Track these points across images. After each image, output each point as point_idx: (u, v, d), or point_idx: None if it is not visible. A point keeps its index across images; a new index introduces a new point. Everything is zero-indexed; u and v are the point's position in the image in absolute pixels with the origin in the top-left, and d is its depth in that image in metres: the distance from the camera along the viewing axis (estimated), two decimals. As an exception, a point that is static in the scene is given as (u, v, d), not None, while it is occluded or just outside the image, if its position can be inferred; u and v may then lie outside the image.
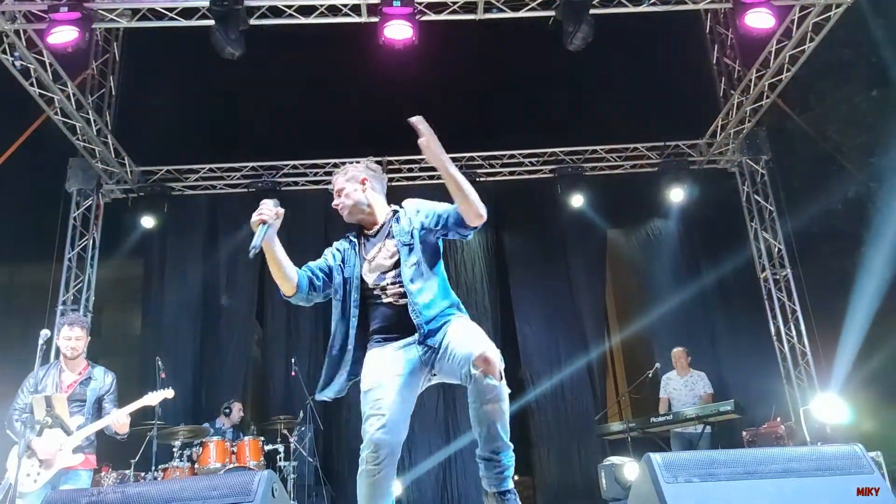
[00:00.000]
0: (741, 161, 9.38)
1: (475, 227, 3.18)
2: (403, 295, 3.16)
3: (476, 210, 3.12)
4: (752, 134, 9.05)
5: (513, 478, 3.09)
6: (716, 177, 9.65)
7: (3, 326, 9.06)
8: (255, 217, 3.13)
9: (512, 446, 3.07)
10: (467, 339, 3.04)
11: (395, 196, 10.08)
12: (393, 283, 3.23)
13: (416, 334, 3.12)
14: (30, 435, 4.38)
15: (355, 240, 3.50)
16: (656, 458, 2.58)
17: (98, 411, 4.76)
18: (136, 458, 6.70)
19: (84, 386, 4.75)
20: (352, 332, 3.24)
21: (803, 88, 9.38)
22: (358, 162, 3.56)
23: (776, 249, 9.00)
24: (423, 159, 9.43)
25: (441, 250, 3.31)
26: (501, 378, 3.02)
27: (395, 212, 3.41)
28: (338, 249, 3.51)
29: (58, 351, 4.95)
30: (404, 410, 3.15)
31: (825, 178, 9.69)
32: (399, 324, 3.18)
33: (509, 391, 3.08)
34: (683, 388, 7.88)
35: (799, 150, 9.87)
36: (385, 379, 3.09)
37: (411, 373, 3.17)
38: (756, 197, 9.23)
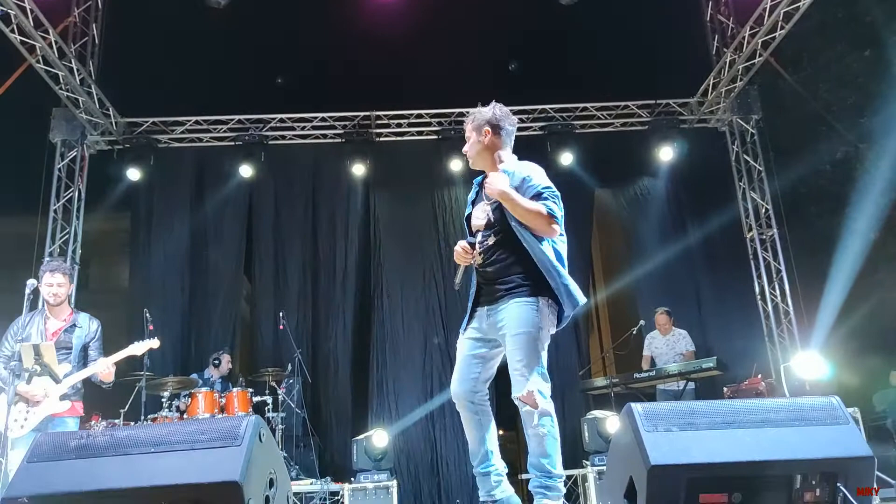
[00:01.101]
0: (731, 120, 9.37)
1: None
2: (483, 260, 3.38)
3: (544, 231, 3.21)
4: (743, 93, 9.04)
5: None
6: (706, 136, 9.64)
7: (-11, 278, 9.00)
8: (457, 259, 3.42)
9: (559, 474, 3.12)
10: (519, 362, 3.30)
11: (383, 151, 10.01)
12: (481, 244, 3.39)
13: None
14: (17, 382, 4.40)
15: (478, 186, 3.56)
16: (637, 407, 2.64)
17: (84, 359, 4.77)
18: (126, 407, 6.77)
19: (69, 333, 4.74)
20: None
21: (796, 47, 9.35)
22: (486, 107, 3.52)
23: (763, 209, 9.05)
24: (412, 114, 9.44)
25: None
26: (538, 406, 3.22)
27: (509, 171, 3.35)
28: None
29: (38, 300, 4.94)
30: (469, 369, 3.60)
31: (814, 139, 9.72)
32: (478, 288, 3.52)
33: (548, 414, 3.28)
34: (665, 346, 8.04)
35: (789, 110, 9.86)
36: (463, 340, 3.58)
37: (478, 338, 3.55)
38: (745, 157, 9.25)
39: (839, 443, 2.50)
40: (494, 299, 3.38)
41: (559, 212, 3.18)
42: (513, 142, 3.55)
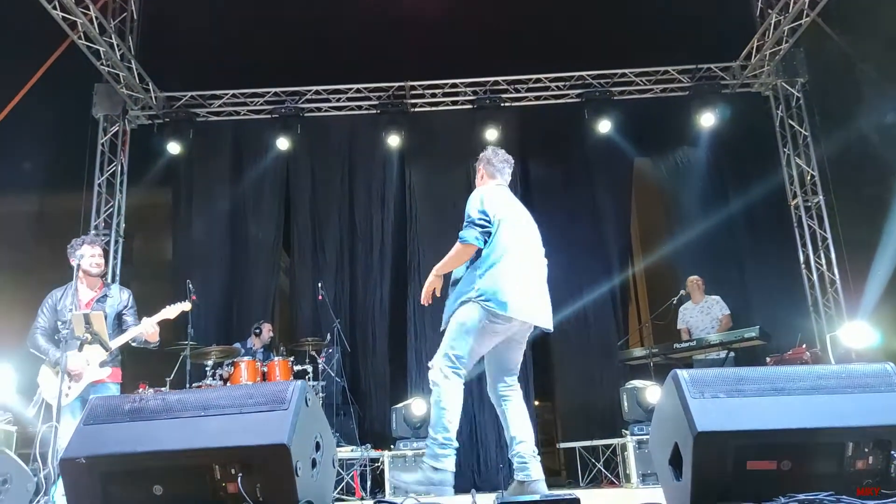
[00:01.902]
0: (776, 84, 9.12)
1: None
2: None
3: (463, 261, 4.02)
4: (788, 55, 8.76)
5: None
6: (749, 101, 9.39)
7: (38, 253, 9.25)
8: None
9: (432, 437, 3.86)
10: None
11: (418, 121, 9.96)
12: None
13: None
14: (55, 352, 4.58)
15: None
16: (683, 374, 2.61)
17: (118, 327, 4.94)
18: (171, 376, 6.95)
19: (101, 303, 4.91)
20: None
21: (844, 7, 9.00)
22: None
23: (808, 176, 8.83)
24: (446, 83, 9.34)
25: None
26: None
27: None
28: None
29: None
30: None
31: (863, 102, 9.39)
32: None
33: None
34: (700, 314, 7.96)
35: (837, 73, 9.53)
36: None
37: None
38: (790, 122, 9.01)
39: (893, 410, 2.44)
40: None
41: (467, 233, 3.89)
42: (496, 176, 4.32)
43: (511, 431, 3.90)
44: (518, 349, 4.05)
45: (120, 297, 5.00)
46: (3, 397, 7.10)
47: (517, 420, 3.94)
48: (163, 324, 5.02)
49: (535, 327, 3.96)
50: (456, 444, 3.80)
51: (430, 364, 3.89)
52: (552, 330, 4.06)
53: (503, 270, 3.81)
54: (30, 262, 9.03)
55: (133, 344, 4.93)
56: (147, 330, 4.81)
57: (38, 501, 4.05)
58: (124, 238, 9.03)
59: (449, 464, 3.73)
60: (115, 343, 4.78)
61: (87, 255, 4.84)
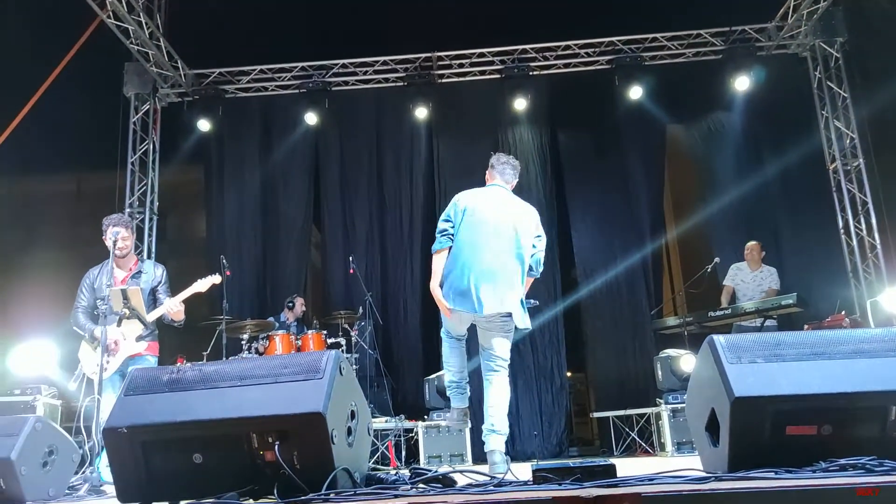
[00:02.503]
0: (814, 44, 8.85)
1: None
2: None
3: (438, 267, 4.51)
4: (827, 14, 8.48)
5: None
6: (785, 63, 9.14)
7: (76, 231, 9.44)
8: None
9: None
10: None
11: (446, 93, 9.87)
12: None
13: None
14: (91, 326, 4.74)
15: None
16: (719, 339, 2.57)
17: (153, 302, 5.01)
18: (208, 350, 7.07)
19: (136, 279, 4.99)
20: None
21: (885, -38, 8.68)
22: None
23: (848, 139, 8.60)
24: (473, 53, 9.24)
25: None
26: None
27: None
28: None
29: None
30: None
31: (904, 62, 9.09)
32: None
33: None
34: (752, 282, 7.77)
35: (877, 32, 9.22)
36: None
37: None
38: (829, 83, 8.76)
39: (937, 373, 2.38)
40: None
41: (437, 242, 4.45)
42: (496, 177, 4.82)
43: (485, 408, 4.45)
44: (488, 335, 4.44)
45: (154, 273, 5.07)
46: (46, 372, 7.31)
47: (489, 400, 4.44)
48: (198, 298, 5.09)
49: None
50: (458, 385, 4.68)
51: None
52: (509, 316, 4.36)
53: (453, 265, 4.36)
54: (69, 240, 9.23)
55: (163, 321, 5.02)
56: (171, 308, 4.89)
57: (84, 472, 4.18)
58: (158, 216, 9.15)
59: (456, 401, 4.70)
60: (147, 319, 4.86)
61: (108, 238, 4.93)
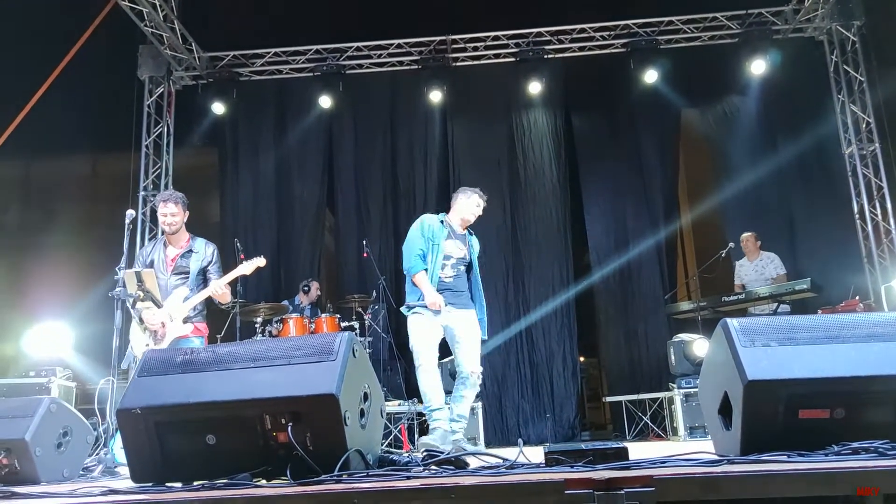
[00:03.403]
0: (830, 28, 8.73)
1: None
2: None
3: None
4: (844, -3, 8.37)
5: None
6: (801, 46, 9.03)
7: (92, 213, 9.49)
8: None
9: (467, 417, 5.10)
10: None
11: (460, 76, 9.82)
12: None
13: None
14: (140, 308, 4.70)
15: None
16: (733, 322, 2.56)
17: (203, 282, 4.98)
18: (222, 333, 7.11)
19: (186, 258, 4.96)
20: None
21: (905, -56, 8.53)
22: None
23: (864, 123, 8.49)
24: (488, 36, 9.18)
25: None
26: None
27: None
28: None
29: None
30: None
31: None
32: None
33: None
34: (753, 272, 7.80)
35: (895, 15, 9.08)
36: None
37: None
38: (845, 67, 8.64)
39: (952, 357, 2.37)
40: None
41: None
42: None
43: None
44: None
45: (205, 251, 5.02)
46: (61, 354, 7.39)
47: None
48: (233, 282, 5.09)
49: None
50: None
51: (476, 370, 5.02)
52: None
53: None
54: (84, 222, 9.27)
55: (214, 303, 4.99)
56: (216, 291, 4.86)
57: (98, 453, 4.22)
58: (173, 199, 9.17)
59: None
60: (191, 302, 4.84)
61: (159, 214, 4.95)
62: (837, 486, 1.84)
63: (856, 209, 8.51)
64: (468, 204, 5.12)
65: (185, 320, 4.82)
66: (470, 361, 4.94)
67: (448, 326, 4.97)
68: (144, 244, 5.01)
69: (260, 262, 5.23)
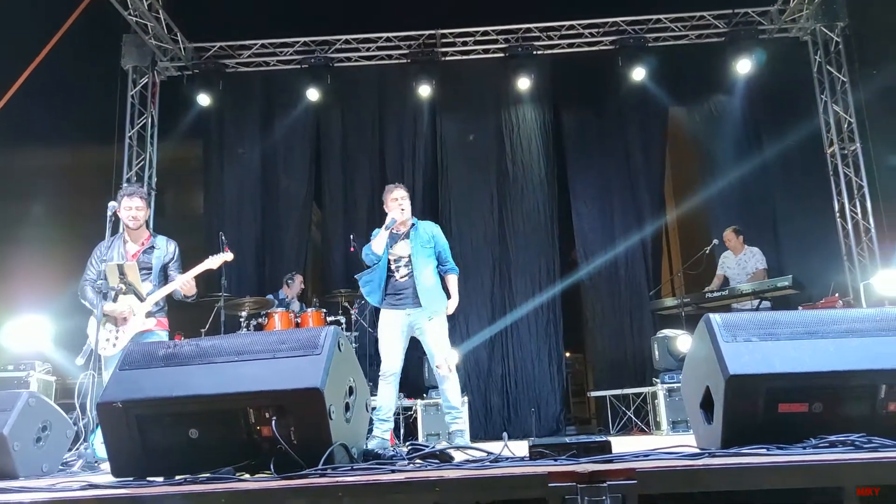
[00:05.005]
0: (815, 28, 8.80)
1: None
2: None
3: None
4: (828, -1, 8.46)
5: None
6: (786, 46, 9.10)
7: (73, 205, 9.39)
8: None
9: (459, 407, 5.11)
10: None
11: (449, 71, 9.77)
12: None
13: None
14: (103, 301, 4.64)
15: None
16: (715, 317, 2.59)
17: (164, 279, 4.95)
18: (206, 327, 7.08)
19: (148, 254, 4.91)
20: None
21: (888, -54, 8.60)
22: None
23: (846, 123, 8.58)
24: (477, 31, 9.17)
25: None
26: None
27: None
28: None
29: (119, 223, 5.12)
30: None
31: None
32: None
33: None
34: (737, 266, 7.88)
35: (878, 17, 9.15)
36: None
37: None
38: (828, 67, 8.72)
39: (929, 353, 2.40)
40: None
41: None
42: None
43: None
44: None
45: (167, 248, 4.98)
46: (41, 348, 7.30)
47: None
48: (200, 275, 5.06)
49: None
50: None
51: (441, 363, 4.94)
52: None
53: None
54: (65, 215, 9.18)
55: (174, 298, 4.97)
56: (184, 283, 4.83)
57: (78, 448, 4.19)
58: (157, 191, 9.11)
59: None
60: (155, 297, 4.80)
61: (123, 208, 4.86)
62: (814, 478, 1.87)
63: (837, 208, 8.61)
64: (388, 202, 5.14)
65: (148, 315, 4.79)
66: (434, 355, 4.95)
67: (413, 325, 4.99)
68: (104, 240, 4.90)
69: (227, 256, 5.22)
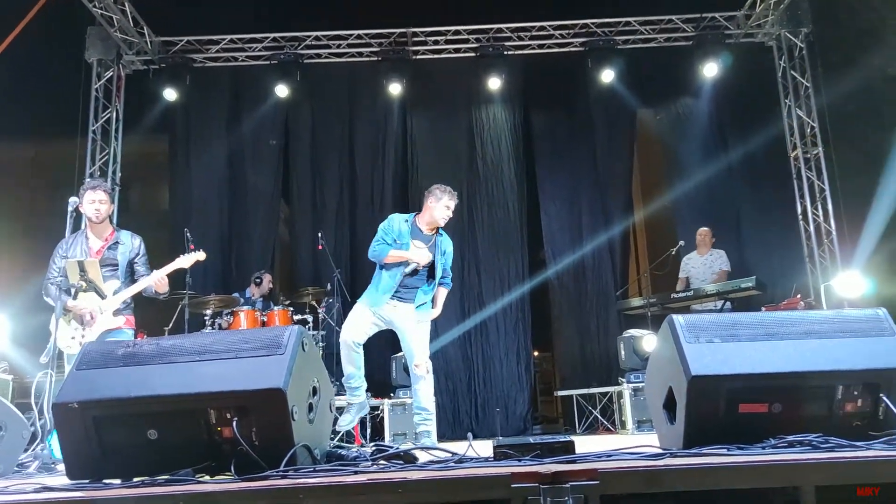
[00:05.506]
0: (779, 34, 8.96)
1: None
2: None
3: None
4: (793, 5, 8.61)
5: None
6: (752, 51, 9.24)
7: (34, 200, 9.20)
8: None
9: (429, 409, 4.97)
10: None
11: (420, 69, 9.78)
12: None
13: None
14: (65, 298, 4.52)
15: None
16: (678, 318, 2.61)
17: (131, 275, 4.83)
18: (170, 325, 6.98)
19: (113, 250, 4.79)
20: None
21: (850, -45, 8.79)
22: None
23: (809, 127, 8.75)
24: (449, 30, 9.16)
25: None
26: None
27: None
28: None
29: (80, 220, 5.00)
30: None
31: (866, 54, 9.23)
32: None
33: None
34: (702, 266, 7.99)
35: (841, 23, 9.35)
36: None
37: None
38: (792, 72, 8.88)
39: (884, 354, 2.46)
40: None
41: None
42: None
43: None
44: None
45: (131, 244, 4.85)
46: (-1, 346, 7.13)
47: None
48: (170, 273, 4.97)
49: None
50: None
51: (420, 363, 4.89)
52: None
53: None
54: (26, 209, 8.99)
55: (143, 294, 4.84)
56: (157, 281, 4.72)
57: (35, 449, 4.09)
58: (121, 186, 8.95)
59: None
60: (125, 294, 4.69)
61: (86, 202, 4.71)
62: (773, 478, 1.90)
63: (799, 210, 8.76)
64: (437, 207, 5.00)
65: (116, 312, 4.68)
66: (415, 355, 4.89)
67: (393, 321, 4.95)
68: (66, 237, 4.75)
69: (200, 255, 5.11)
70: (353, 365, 4.89)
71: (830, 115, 8.64)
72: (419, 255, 4.87)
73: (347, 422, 5.03)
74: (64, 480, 2.67)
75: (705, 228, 8.08)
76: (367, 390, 5.27)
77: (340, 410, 6.79)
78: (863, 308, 2.92)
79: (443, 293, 5.15)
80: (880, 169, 8.58)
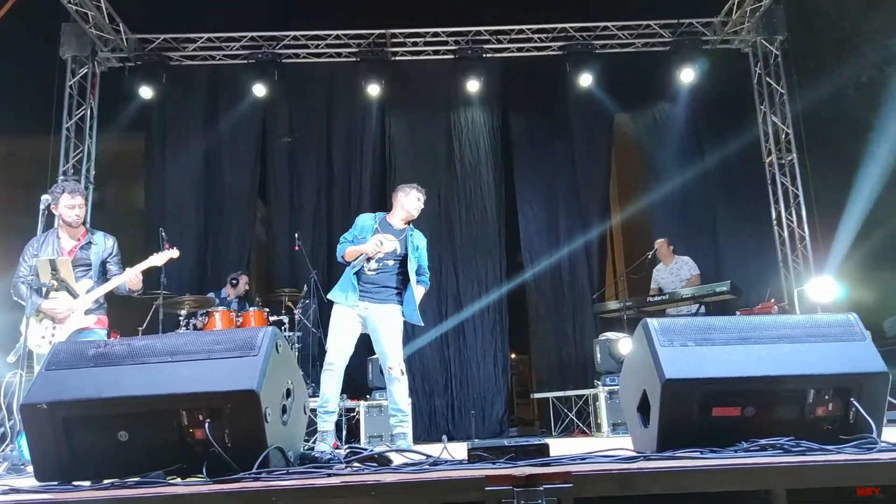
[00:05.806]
0: (755, 41, 9.07)
1: None
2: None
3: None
4: (769, 12, 8.72)
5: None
6: (728, 57, 9.34)
7: (6, 198, 9.04)
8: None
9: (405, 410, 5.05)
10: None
11: (399, 71, 9.78)
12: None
13: None
14: (36, 298, 4.46)
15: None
16: (653, 322, 2.63)
17: (104, 274, 4.80)
18: (144, 325, 6.89)
19: (86, 250, 4.76)
20: None
21: (826, -36, 8.93)
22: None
23: (783, 133, 8.86)
24: (428, 32, 9.16)
25: None
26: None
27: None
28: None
29: (52, 218, 4.92)
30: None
31: (840, 61, 9.38)
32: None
33: None
34: (669, 275, 8.11)
35: (816, 31, 9.49)
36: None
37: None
38: (768, 79, 8.99)
39: (854, 358, 2.50)
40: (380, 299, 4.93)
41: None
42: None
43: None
44: None
45: (105, 244, 4.83)
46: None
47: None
48: (144, 271, 4.92)
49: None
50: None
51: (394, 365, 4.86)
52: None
53: None
54: (-3, 206, 8.83)
55: (116, 293, 4.80)
56: (129, 278, 4.69)
57: (4, 450, 4.02)
58: (95, 185, 8.83)
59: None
60: (100, 291, 4.67)
61: (64, 206, 4.68)
62: (745, 481, 1.91)
63: (774, 216, 8.87)
64: (408, 199, 5.09)
65: (88, 312, 4.64)
66: (388, 356, 4.85)
67: (367, 320, 4.91)
68: (37, 235, 4.68)
69: (173, 253, 5.10)
70: (333, 391, 4.81)
71: (805, 122, 8.77)
72: (373, 243, 4.83)
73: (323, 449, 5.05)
74: (32, 482, 2.62)
75: (661, 240, 8.23)
76: (342, 392, 5.25)
77: (314, 412, 6.78)
78: (835, 313, 2.96)
79: (420, 292, 5.11)
80: (853, 175, 8.72)
